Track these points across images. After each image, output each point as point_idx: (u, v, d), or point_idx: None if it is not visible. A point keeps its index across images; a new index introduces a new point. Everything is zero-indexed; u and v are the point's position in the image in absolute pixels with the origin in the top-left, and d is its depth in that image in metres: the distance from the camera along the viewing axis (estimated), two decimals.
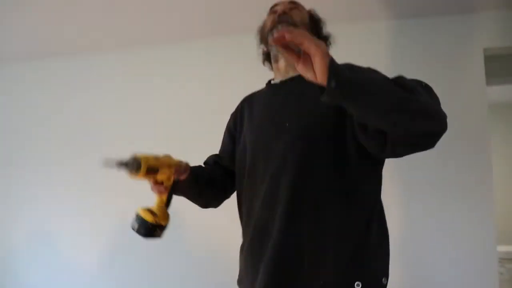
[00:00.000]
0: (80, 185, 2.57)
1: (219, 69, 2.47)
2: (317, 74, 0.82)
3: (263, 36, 1.30)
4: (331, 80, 0.81)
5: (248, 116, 1.28)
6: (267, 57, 1.35)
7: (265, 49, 1.34)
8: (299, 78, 1.08)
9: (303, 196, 1.07)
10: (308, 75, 0.85)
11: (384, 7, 2.14)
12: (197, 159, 1.30)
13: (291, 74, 1.23)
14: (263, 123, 1.21)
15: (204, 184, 1.23)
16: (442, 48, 2.19)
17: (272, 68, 1.32)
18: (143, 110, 2.55)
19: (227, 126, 1.36)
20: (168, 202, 1.10)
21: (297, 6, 1.27)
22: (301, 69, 0.85)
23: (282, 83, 1.24)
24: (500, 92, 4.19)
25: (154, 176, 1.05)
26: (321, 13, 1.32)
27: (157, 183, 1.08)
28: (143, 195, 1.17)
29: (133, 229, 1.05)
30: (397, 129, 0.90)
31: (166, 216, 1.08)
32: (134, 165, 1.00)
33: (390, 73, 0.99)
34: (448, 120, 0.93)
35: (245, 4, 2.10)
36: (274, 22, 1.22)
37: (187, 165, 1.14)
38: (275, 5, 1.29)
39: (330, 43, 1.31)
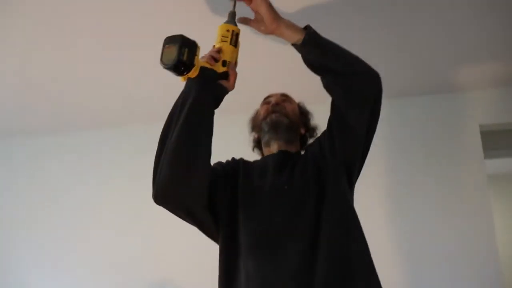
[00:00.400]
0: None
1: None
2: (266, 19, 1.14)
3: (256, 124, 1.40)
4: (309, 29, 1.15)
5: (245, 179, 1.27)
6: (257, 144, 1.42)
7: (256, 136, 1.42)
8: (292, 154, 1.30)
9: (342, 262, 1.10)
10: (261, 29, 1.17)
11: None
12: None
13: None
14: (271, 196, 1.21)
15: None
16: (438, 125, 2.23)
17: (262, 154, 1.40)
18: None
19: (224, 163, 1.34)
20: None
21: (288, 98, 1.41)
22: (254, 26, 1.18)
23: (276, 155, 1.30)
24: (498, 164, 4.26)
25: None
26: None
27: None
28: None
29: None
30: (349, 66, 1.15)
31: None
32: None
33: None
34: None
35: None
36: (268, 111, 1.34)
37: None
38: (269, 96, 1.42)
39: (316, 134, 1.40)
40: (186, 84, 1.13)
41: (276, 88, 1.45)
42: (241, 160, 1.34)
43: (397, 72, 2.04)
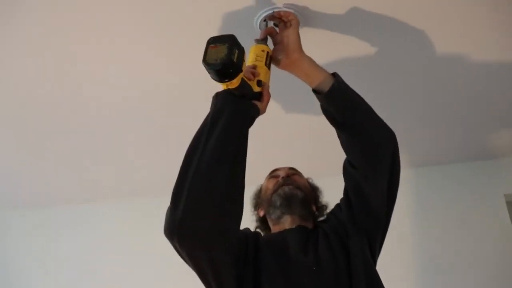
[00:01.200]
0: None
1: None
2: (292, 46, 1.06)
3: (263, 199, 1.29)
4: (337, 77, 1.07)
5: (267, 255, 1.12)
6: (262, 223, 1.31)
7: (261, 213, 1.31)
8: (310, 229, 1.18)
9: None
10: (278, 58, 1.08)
11: (402, 156, 2.16)
12: None
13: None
14: (299, 276, 1.08)
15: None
16: (463, 194, 2.14)
17: (269, 230, 1.28)
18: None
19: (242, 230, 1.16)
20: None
21: (297, 172, 1.32)
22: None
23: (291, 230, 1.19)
24: None
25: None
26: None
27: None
28: None
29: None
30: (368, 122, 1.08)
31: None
32: None
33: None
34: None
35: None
36: (279, 184, 1.24)
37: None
38: (275, 170, 1.32)
39: (326, 213, 1.29)
40: (218, 97, 0.98)
41: (276, 163, 1.39)
42: (258, 232, 1.25)
43: (423, 141, 1.98)
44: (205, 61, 0.91)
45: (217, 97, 0.99)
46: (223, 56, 0.89)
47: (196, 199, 0.87)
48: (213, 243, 0.90)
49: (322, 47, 1.29)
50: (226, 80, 0.92)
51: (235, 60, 0.90)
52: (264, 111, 1.05)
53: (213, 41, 0.93)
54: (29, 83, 1.45)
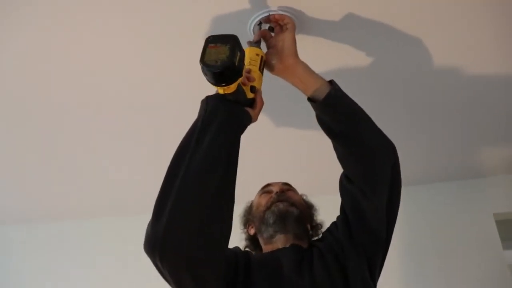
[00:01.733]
0: None
1: None
2: (287, 51, 1.00)
3: (254, 216, 1.20)
4: (334, 84, 1.01)
5: (260, 275, 1.03)
6: (252, 242, 1.22)
7: (252, 232, 1.22)
8: (305, 249, 1.10)
9: None
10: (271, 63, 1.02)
11: None
12: None
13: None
14: None
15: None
16: (451, 213, 2.11)
17: (260, 250, 1.21)
18: None
19: (233, 249, 1.10)
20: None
21: (291, 188, 1.24)
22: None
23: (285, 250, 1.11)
24: None
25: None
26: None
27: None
28: None
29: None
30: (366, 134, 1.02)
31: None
32: None
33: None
34: None
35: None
36: (273, 200, 1.16)
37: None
38: (268, 185, 1.24)
39: (321, 232, 1.22)
40: (208, 102, 0.89)
41: (268, 178, 1.31)
42: (249, 252, 1.16)
43: (412, 159, 1.93)
44: (203, 61, 0.81)
45: (208, 101, 0.89)
46: (224, 58, 0.80)
47: (183, 210, 0.78)
48: (198, 260, 0.80)
49: (317, 55, 1.23)
50: (224, 84, 0.84)
51: (236, 63, 0.81)
52: (256, 119, 0.97)
53: (212, 40, 0.84)
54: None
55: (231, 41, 0.83)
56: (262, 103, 0.98)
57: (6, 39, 1.17)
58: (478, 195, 2.12)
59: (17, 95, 1.40)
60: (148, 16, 1.11)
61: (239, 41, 0.85)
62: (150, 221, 0.79)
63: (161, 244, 0.76)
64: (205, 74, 0.83)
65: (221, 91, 0.87)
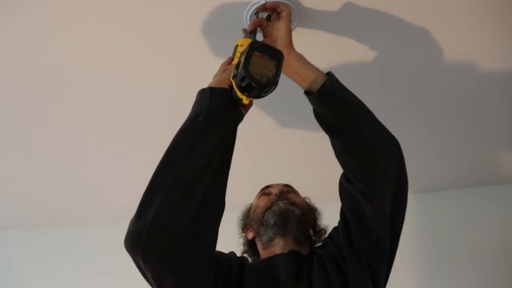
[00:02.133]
0: None
1: None
2: (281, 40, 0.94)
3: (253, 219, 1.15)
4: (331, 75, 0.94)
5: (255, 283, 0.99)
6: (250, 247, 1.17)
7: (250, 236, 1.17)
8: (304, 256, 1.05)
9: None
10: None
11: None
12: None
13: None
14: None
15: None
16: (461, 220, 2.07)
17: (258, 255, 1.15)
18: None
19: (227, 255, 1.06)
20: None
21: (293, 189, 1.19)
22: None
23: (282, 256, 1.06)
24: None
25: None
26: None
27: None
28: None
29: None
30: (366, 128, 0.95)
31: None
32: None
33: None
34: None
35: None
36: (273, 200, 1.12)
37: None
38: (267, 187, 1.20)
39: (324, 237, 1.16)
40: (212, 96, 0.86)
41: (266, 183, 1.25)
42: (245, 258, 1.11)
43: (427, 167, 1.89)
44: (247, 70, 0.79)
45: (212, 97, 0.86)
46: (270, 76, 0.80)
47: (171, 207, 0.75)
48: (181, 259, 0.77)
49: (315, 48, 1.17)
50: (253, 96, 0.83)
51: (277, 83, 0.81)
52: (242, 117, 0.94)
53: (259, 49, 0.82)
54: None
55: (277, 57, 0.83)
56: (252, 103, 0.93)
57: (5, 39, 1.17)
58: (496, 202, 2.07)
59: (16, 95, 1.39)
60: (148, 16, 1.10)
61: (283, 59, 0.84)
62: (133, 218, 0.76)
63: (144, 241, 0.73)
64: (240, 79, 0.80)
65: (247, 101, 0.85)
